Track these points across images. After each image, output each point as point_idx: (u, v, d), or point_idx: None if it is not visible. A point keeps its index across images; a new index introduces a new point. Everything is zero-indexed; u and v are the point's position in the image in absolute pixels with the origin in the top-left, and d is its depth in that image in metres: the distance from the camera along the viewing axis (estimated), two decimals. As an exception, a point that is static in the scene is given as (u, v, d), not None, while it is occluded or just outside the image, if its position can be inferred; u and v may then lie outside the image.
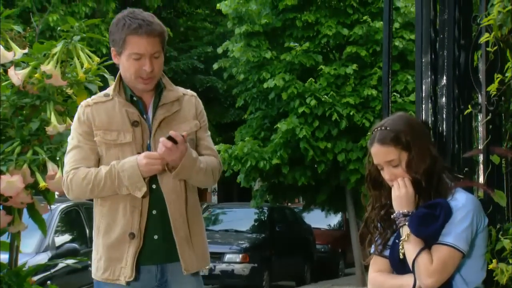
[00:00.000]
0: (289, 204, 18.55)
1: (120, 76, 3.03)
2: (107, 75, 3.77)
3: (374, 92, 12.16)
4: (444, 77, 3.20)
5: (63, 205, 7.77)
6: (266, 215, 14.71)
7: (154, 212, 2.95)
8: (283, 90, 12.36)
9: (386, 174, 2.71)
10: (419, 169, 2.66)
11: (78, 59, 3.64)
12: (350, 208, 13.42)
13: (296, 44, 12.82)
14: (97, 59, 3.77)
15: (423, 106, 3.23)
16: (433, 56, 3.27)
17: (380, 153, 2.72)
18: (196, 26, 19.28)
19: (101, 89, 3.45)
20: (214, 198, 25.69)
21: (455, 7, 3.21)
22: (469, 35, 3.18)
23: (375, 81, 12.29)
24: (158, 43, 2.97)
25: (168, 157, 2.90)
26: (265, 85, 12.49)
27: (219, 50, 13.66)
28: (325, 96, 12.22)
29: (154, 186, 2.97)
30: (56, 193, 3.70)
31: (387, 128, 2.78)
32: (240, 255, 12.72)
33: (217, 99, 18.72)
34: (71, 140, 3.03)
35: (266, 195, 13.73)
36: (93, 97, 3.11)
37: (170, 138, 2.87)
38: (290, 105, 12.45)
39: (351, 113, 12.18)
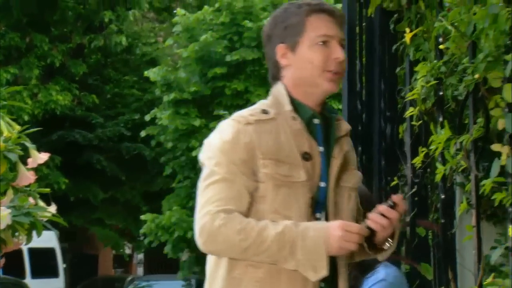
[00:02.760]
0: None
1: (285, 88, 2.14)
2: (28, 144, 3.46)
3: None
4: (371, 149, 3.27)
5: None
6: (194, 288, 14.31)
7: (322, 285, 2.10)
8: (212, 158, 12.19)
9: None
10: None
11: (-3, 127, 3.34)
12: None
13: (226, 112, 12.74)
14: (18, 127, 3.46)
15: None
16: (359, 128, 3.33)
17: None
18: (123, 93, 19.05)
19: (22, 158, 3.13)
20: (140, 270, 25.01)
21: (380, 80, 3.32)
22: (394, 108, 3.32)
23: (306, 150, 12.26)
24: (343, 32, 2.21)
25: (381, 232, 2.05)
26: (194, 153, 12.33)
27: (147, 118, 13.46)
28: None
29: None
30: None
31: None
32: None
33: (145, 167, 18.38)
34: (216, 168, 2.04)
35: (194, 267, 13.39)
36: (245, 112, 2.12)
37: (391, 207, 2.02)
38: (220, 174, 12.26)
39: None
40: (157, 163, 15.62)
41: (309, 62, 2.09)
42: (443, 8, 2.98)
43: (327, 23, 2.11)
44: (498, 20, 2.50)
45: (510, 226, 2.60)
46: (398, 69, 3.29)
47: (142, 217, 13.16)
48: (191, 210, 12.61)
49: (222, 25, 12.99)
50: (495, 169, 2.62)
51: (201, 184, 2.05)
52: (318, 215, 2.05)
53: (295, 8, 2.11)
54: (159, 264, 23.39)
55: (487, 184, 2.64)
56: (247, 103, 12.73)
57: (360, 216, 2.16)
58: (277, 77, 2.13)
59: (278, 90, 2.11)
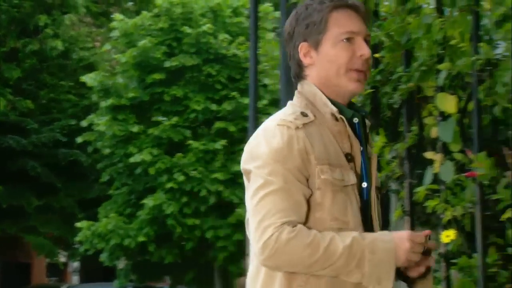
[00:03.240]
0: (155, 283, 17.98)
1: (317, 88, 2.02)
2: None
3: (243, 168, 12.10)
4: None
5: None
6: (130, 296, 14.11)
7: None
8: (150, 165, 12.08)
9: None
10: None
11: None
12: (218, 286, 13.13)
13: (164, 118, 12.65)
14: None
15: None
16: None
17: None
18: (59, 98, 18.68)
19: None
20: (76, 278, 24.53)
21: None
22: None
23: (244, 157, 12.24)
24: (367, 27, 2.08)
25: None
26: (131, 160, 12.17)
27: (84, 123, 13.22)
28: (194, 172, 12.04)
29: None
30: None
31: None
32: None
33: (81, 173, 18.04)
34: (270, 177, 1.90)
35: (131, 274, 13.21)
36: (287, 116, 1.98)
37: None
38: (158, 180, 12.16)
39: (220, 189, 12.04)
40: (94, 169, 15.36)
41: (333, 61, 1.98)
42: (378, 18, 3.02)
43: (351, 19, 1.99)
44: (431, 30, 2.55)
45: (443, 232, 2.65)
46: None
47: (78, 224, 12.93)
48: (128, 217, 12.45)
49: (160, 30, 12.89)
50: (428, 177, 2.66)
51: (255, 195, 1.89)
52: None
53: (317, 5, 2.00)
54: (95, 272, 23.00)
55: (420, 191, 2.68)
56: (186, 110, 12.66)
57: None
58: (300, 76, 2.02)
59: (311, 90, 1.99)
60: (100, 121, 12.66)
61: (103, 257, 12.47)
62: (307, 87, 2.00)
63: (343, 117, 1.95)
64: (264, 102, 12.53)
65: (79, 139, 13.79)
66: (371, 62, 2.02)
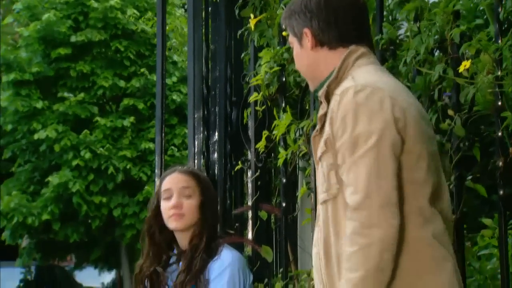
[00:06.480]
0: (59, 262, 17.66)
1: None
2: None
3: (152, 145, 11.98)
4: (216, 133, 3.30)
5: None
6: (33, 275, 13.81)
7: None
8: (55, 141, 11.80)
9: (173, 200, 2.66)
10: (207, 216, 2.67)
11: None
12: (125, 265, 13.03)
13: (71, 94, 12.36)
14: None
15: (196, 161, 3.33)
16: (205, 112, 3.35)
17: (177, 179, 2.70)
18: (-42, 72, 17.95)
19: None
20: (-24, 258, 23.77)
21: (226, 65, 3.36)
22: (240, 93, 3.36)
23: (153, 135, 12.12)
24: None
25: None
26: (35, 136, 11.84)
27: (-15, 99, 12.75)
28: (101, 149, 11.84)
29: None
30: None
31: (190, 168, 2.87)
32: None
33: (-19, 150, 17.45)
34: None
35: (35, 253, 12.91)
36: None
37: None
38: (63, 157, 11.90)
39: (128, 167, 11.90)
40: (-5, 146, 14.88)
41: None
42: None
43: None
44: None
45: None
46: (243, 55, 3.32)
47: (-22, 203, 12.51)
48: (32, 195, 12.13)
49: (66, 4, 12.53)
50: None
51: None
52: None
53: None
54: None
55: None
56: (93, 86, 12.39)
57: None
58: None
59: None
60: (2, 97, 12.24)
61: (5, 235, 12.13)
62: None
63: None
64: (174, 79, 12.42)
65: (-21, 115, 13.33)
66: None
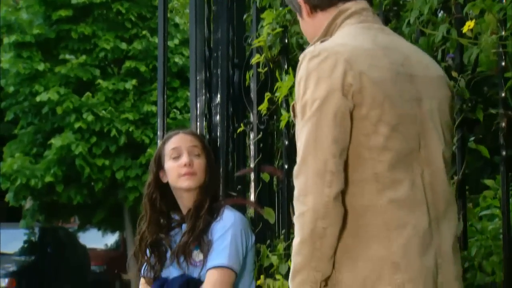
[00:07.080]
0: (63, 224, 17.79)
1: None
2: None
3: (154, 108, 11.98)
4: (218, 96, 3.26)
5: None
6: (37, 236, 13.92)
7: None
8: (57, 104, 11.79)
9: (184, 158, 2.65)
10: (211, 177, 2.68)
11: None
12: (128, 227, 13.12)
13: (72, 56, 12.31)
14: None
15: (198, 123, 3.29)
16: (207, 74, 3.31)
17: (185, 139, 2.71)
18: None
19: None
20: (-20, 219, 23.97)
21: (228, 27, 3.34)
22: (242, 55, 3.35)
23: (155, 97, 12.10)
24: None
25: None
26: (38, 99, 11.83)
27: (-14, 61, 12.70)
28: (103, 112, 11.84)
29: None
30: None
31: (192, 131, 2.92)
32: (7, 280, 11.89)
33: (-16, 112, 17.46)
34: None
35: (38, 215, 13.00)
36: None
37: None
38: (66, 120, 11.90)
39: (130, 129, 11.90)
40: (-3, 108, 14.88)
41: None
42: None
43: None
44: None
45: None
46: (245, 16, 3.30)
47: (-19, 164, 12.56)
48: (35, 157, 12.16)
49: (67, -35, 12.44)
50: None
51: None
52: None
53: None
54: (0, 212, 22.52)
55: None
56: (94, 48, 12.33)
57: None
58: None
59: None
60: (4, 58, 12.19)
61: (8, 197, 12.20)
62: None
63: None
64: (176, 41, 12.36)
65: (-19, 77, 13.30)
66: None
